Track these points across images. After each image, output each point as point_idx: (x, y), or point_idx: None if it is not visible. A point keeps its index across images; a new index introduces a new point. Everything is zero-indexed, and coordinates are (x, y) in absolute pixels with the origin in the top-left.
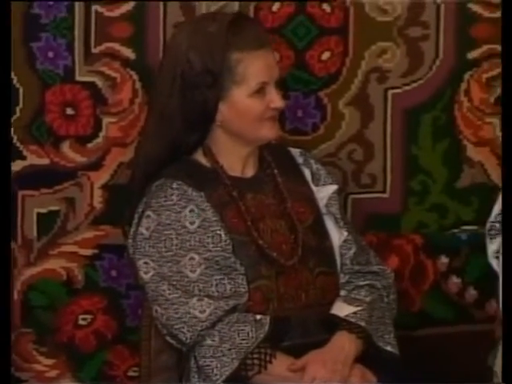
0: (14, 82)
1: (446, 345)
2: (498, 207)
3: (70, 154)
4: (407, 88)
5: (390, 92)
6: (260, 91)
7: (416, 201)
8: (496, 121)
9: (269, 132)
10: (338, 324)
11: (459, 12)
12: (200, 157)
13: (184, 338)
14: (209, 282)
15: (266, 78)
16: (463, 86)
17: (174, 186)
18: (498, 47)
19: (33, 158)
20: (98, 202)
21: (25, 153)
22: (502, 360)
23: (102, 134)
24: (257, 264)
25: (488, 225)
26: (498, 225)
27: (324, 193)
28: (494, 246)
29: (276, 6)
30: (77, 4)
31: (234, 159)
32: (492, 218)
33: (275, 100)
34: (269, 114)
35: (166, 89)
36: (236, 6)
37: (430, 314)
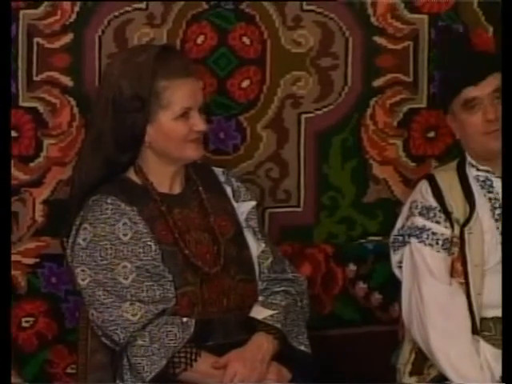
0: None
1: (353, 344)
2: (400, 222)
3: (14, 173)
4: (319, 113)
5: (304, 116)
6: (184, 115)
7: (327, 214)
8: (399, 142)
9: (193, 152)
10: (256, 326)
11: (365, 44)
12: (132, 175)
13: (117, 339)
14: (140, 288)
15: (190, 103)
16: (369, 110)
17: (109, 201)
18: (401, 76)
19: None
20: (39, 215)
21: None
22: (502, 360)
23: (43, 154)
24: (183, 272)
25: (391, 238)
26: (400, 238)
27: (244, 208)
28: (397, 257)
29: (200, 39)
30: (20, 36)
31: (163, 177)
32: (395, 231)
33: (198, 124)
34: (192, 136)
35: (100, 113)
36: (164, 39)
37: (339, 316)
